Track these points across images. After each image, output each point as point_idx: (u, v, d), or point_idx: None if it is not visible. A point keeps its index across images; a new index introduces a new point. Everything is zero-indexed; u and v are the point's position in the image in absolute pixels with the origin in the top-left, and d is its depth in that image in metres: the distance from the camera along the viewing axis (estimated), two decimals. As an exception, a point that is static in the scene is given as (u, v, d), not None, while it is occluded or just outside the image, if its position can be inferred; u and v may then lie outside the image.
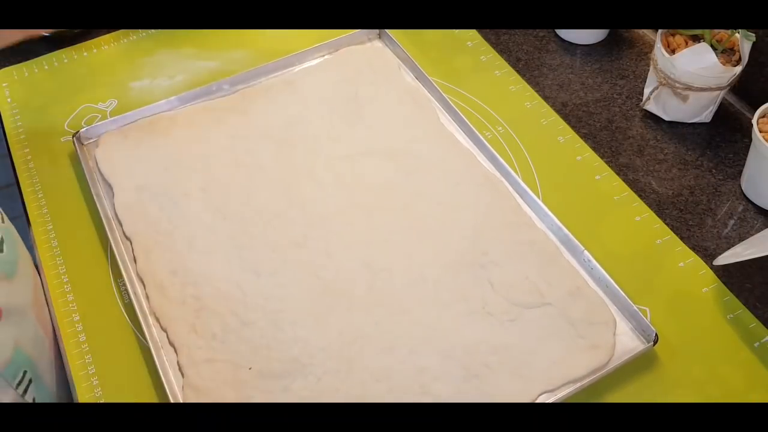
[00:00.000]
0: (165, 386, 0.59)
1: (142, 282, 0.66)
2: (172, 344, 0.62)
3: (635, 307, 0.62)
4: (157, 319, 0.64)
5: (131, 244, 0.69)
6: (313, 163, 0.75)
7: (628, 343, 0.62)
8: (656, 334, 0.60)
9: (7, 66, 0.88)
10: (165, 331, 0.63)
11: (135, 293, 0.65)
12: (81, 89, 0.85)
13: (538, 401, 0.58)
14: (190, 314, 0.64)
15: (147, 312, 0.64)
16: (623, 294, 0.63)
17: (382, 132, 0.78)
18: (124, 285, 0.67)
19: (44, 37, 0.90)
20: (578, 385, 0.59)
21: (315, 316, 0.63)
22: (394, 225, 0.70)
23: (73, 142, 0.77)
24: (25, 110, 0.83)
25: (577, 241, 0.67)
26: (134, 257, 0.68)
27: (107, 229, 0.69)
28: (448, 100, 0.80)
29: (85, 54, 0.89)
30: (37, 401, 0.61)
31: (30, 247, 0.70)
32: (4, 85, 0.86)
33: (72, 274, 0.68)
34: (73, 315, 0.65)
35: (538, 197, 0.71)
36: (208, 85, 0.82)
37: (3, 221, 0.63)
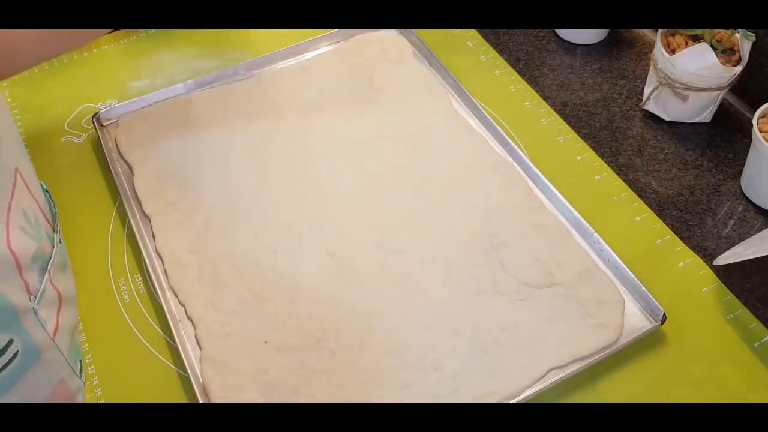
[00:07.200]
0: (183, 358, 0.61)
1: (161, 258, 0.68)
2: (189, 318, 0.64)
3: (644, 288, 0.63)
4: (176, 294, 0.65)
5: (150, 222, 0.71)
6: (328, 147, 0.77)
7: (636, 323, 0.63)
8: (664, 314, 0.61)
9: (7, 66, 0.88)
10: (183, 305, 0.65)
11: (153, 268, 0.67)
12: (81, 89, 0.85)
13: (546, 377, 0.59)
14: (208, 290, 0.65)
15: (165, 287, 0.66)
16: (632, 275, 0.64)
17: (396, 117, 0.79)
18: (125, 285, 0.67)
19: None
20: (587, 362, 0.60)
21: (329, 293, 0.65)
22: (407, 207, 0.71)
23: (93, 122, 0.79)
24: (25, 110, 0.83)
25: (587, 224, 0.68)
26: (153, 235, 0.70)
27: (126, 206, 0.71)
28: (461, 86, 0.81)
29: (85, 54, 0.89)
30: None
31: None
32: (4, 85, 0.86)
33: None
34: (73, 315, 0.66)
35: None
36: (224, 69, 0.84)
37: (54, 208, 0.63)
